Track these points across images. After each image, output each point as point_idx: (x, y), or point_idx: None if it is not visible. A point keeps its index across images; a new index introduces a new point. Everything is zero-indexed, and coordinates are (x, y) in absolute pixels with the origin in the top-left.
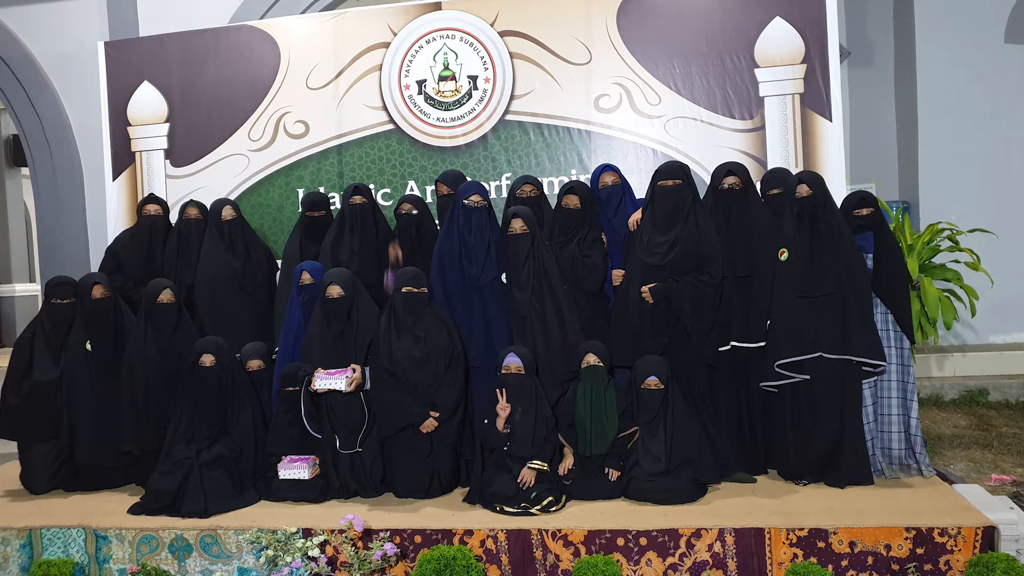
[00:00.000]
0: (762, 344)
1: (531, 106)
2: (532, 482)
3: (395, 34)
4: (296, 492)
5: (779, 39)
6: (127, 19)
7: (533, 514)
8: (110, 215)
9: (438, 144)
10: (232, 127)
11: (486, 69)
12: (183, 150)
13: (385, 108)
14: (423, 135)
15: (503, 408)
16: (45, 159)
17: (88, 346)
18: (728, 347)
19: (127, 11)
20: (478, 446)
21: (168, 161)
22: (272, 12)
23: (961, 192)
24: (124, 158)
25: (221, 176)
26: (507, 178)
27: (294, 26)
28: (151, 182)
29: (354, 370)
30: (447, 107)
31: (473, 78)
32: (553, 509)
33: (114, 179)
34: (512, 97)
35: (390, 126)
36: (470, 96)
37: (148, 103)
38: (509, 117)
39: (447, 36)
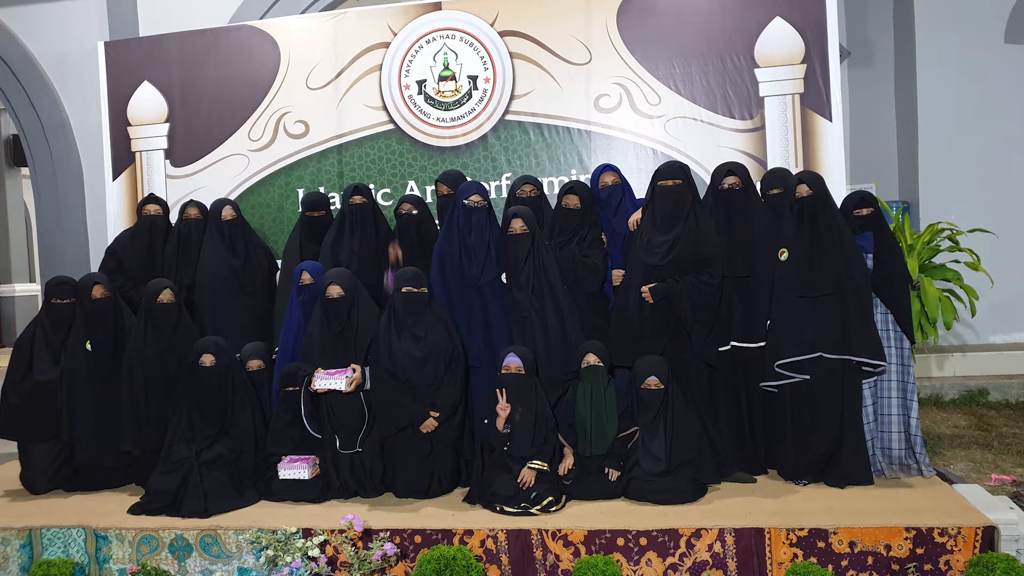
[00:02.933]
0: (762, 344)
1: (531, 106)
2: (532, 482)
3: (395, 34)
4: (296, 492)
5: (779, 39)
6: (127, 19)
7: (533, 514)
8: (110, 215)
9: (438, 144)
10: (232, 127)
11: (486, 69)
12: (183, 150)
13: (385, 108)
14: (423, 135)
15: (503, 408)
16: (45, 159)
17: (88, 346)
18: (728, 347)
19: (127, 11)
20: (478, 446)
21: (168, 161)
22: (272, 12)
23: (961, 192)
24: (124, 158)
25: (221, 176)
26: (507, 178)
27: (294, 26)
28: (151, 182)
29: (354, 370)
30: (447, 107)
31: (473, 78)
32: (553, 509)
33: (114, 179)
34: (512, 97)
35: (390, 126)
36: (470, 96)
37: (148, 103)
38: (509, 117)
39: (447, 36)
